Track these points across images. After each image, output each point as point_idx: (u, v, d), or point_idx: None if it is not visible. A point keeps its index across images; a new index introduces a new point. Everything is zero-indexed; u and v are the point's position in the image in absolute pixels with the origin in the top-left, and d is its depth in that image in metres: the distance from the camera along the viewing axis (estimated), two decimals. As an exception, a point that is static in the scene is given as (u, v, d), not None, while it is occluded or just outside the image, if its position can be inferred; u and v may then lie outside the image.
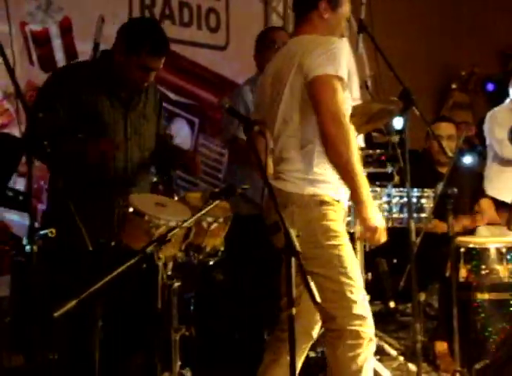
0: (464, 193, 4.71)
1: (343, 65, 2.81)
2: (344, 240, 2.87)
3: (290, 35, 3.10)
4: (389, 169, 4.20)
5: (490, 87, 7.67)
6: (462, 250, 4.09)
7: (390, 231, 4.42)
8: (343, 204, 2.92)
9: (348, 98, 2.94)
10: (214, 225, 3.03)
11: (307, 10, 2.97)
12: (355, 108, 3.23)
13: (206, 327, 4.09)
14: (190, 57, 5.54)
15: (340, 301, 2.80)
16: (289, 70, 2.88)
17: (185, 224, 2.82)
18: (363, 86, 5.48)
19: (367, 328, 2.84)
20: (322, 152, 2.83)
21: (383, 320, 4.67)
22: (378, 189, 4.06)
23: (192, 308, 4.08)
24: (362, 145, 4.72)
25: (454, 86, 7.81)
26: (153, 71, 3.34)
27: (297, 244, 2.19)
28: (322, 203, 2.83)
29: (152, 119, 3.55)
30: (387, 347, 4.06)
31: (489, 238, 4.22)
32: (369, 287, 4.10)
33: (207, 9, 5.82)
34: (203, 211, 2.82)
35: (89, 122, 3.28)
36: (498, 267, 4.09)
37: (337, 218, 2.87)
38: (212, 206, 2.86)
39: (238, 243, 4.09)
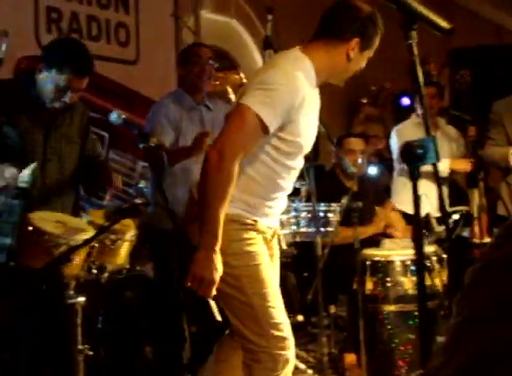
0: (371, 206, 4.81)
1: (277, 108, 2.58)
2: (258, 261, 2.74)
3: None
4: (296, 184, 4.25)
5: (405, 101, 7.85)
6: (368, 263, 4.15)
7: (298, 245, 4.52)
8: (262, 225, 2.79)
9: (277, 141, 2.71)
10: (118, 243, 3.01)
11: (335, 37, 2.75)
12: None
13: (116, 345, 4.03)
14: (99, 71, 5.47)
15: (254, 324, 2.73)
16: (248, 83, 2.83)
17: (87, 243, 2.78)
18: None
19: (284, 350, 2.77)
20: (243, 173, 2.68)
21: (293, 334, 4.69)
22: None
23: (100, 326, 4.00)
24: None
25: (364, 101, 7.99)
26: (74, 91, 3.31)
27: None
28: (234, 222, 2.69)
29: (75, 141, 3.51)
30: (295, 361, 4.08)
31: (394, 251, 4.29)
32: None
33: (116, 23, 5.78)
34: (104, 230, 2.80)
35: (8, 141, 3.22)
36: (403, 279, 4.16)
37: (251, 238, 2.75)
38: (115, 224, 2.84)
39: (161, 258, 4.09)
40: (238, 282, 2.73)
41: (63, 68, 3.19)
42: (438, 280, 4.35)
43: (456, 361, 0.87)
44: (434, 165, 2.11)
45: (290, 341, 2.81)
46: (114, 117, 3.18)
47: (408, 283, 4.20)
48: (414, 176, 2.09)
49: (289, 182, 2.85)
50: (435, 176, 2.09)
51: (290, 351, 2.80)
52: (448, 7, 8.38)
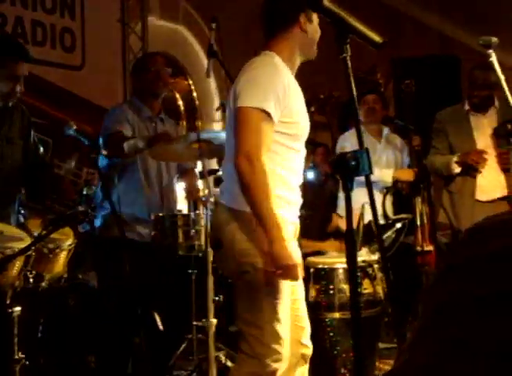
0: (319, 215, 4.85)
1: (268, 94, 2.69)
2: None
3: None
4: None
5: (353, 109, 7.91)
6: (311, 270, 4.17)
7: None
8: (286, 219, 2.79)
9: (280, 126, 2.78)
10: (56, 251, 2.98)
11: (284, 25, 2.87)
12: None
13: (57, 354, 3.99)
14: (44, 77, 5.42)
15: (258, 330, 2.74)
16: (232, 88, 2.82)
17: (24, 251, 2.75)
18: (219, 109, 5.56)
19: (276, 362, 2.76)
20: None
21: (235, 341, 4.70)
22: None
23: (40, 335, 3.95)
24: (216, 167, 4.77)
25: (312, 109, 8.04)
26: (20, 80, 3.31)
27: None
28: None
29: (16, 142, 3.47)
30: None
31: (337, 258, 4.33)
32: (222, 309, 4.16)
33: (61, 29, 5.72)
34: (42, 238, 2.77)
35: None
36: (346, 287, 4.20)
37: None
38: (53, 232, 2.81)
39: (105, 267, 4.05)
40: (256, 285, 2.73)
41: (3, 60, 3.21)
42: (380, 287, 4.41)
43: (417, 360, 0.90)
44: (367, 177, 2.13)
45: (284, 359, 2.79)
46: (69, 131, 3.17)
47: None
48: (347, 188, 2.11)
49: (299, 168, 2.91)
50: (367, 187, 2.10)
51: (280, 363, 2.78)
52: (395, 17, 8.51)
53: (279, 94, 2.71)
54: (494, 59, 3.07)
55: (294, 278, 2.71)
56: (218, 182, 4.78)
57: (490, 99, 4.77)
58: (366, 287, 4.49)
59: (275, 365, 2.74)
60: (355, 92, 2.11)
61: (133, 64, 4.50)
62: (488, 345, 0.81)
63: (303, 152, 2.92)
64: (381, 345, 4.69)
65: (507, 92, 3.09)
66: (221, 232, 2.76)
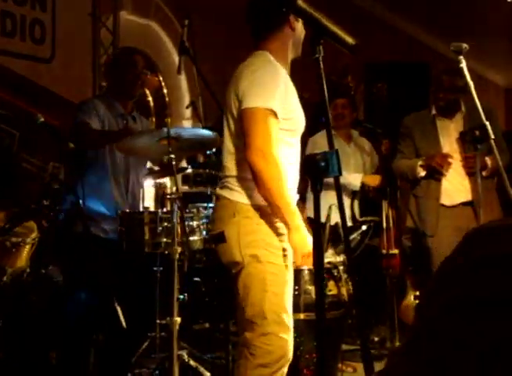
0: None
1: (273, 93, 2.79)
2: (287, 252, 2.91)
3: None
4: (208, 190, 4.25)
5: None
6: (277, 271, 4.17)
7: (208, 252, 4.51)
8: None
9: (281, 123, 2.87)
10: (19, 245, 2.94)
11: (276, 25, 2.94)
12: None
13: (17, 348, 3.94)
14: (12, 68, 5.34)
15: (261, 318, 2.80)
16: (232, 89, 2.88)
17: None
18: (189, 106, 5.54)
19: (286, 333, 2.84)
20: None
21: (203, 340, 4.70)
22: (194, 210, 4.07)
23: (0, 330, 3.90)
24: (185, 165, 4.75)
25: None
26: None
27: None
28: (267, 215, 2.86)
29: None
30: (201, 369, 4.07)
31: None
32: (186, 308, 4.14)
33: (31, 20, 5.65)
34: (4, 232, 2.73)
35: None
36: (310, 288, 4.21)
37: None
38: (16, 226, 2.77)
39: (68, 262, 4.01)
40: (261, 275, 2.82)
41: None
42: (345, 289, 4.42)
43: (416, 359, 0.92)
44: (337, 178, 2.13)
45: (291, 338, 2.87)
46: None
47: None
48: (316, 189, 2.11)
49: (296, 162, 3.01)
50: (336, 189, 2.11)
51: (290, 347, 2.87)
52: (366, 21, 8.55)
53: (281, 92, 2.82)
54: (464, 65, 3.10)
55: (310, 264, 2.77)
56: (186, 179, 4.77)
57: (456, 104, 4.79)
58: (331, 289, 4.51)
59: (282, 353, 2.82)
60: (326, 94, 2.12)
61: (111, 60, 4.43)
62: (483, 345, 0.83)
63: (299, 146, 3.03)
64: (344, 347, 4.71)
65: (476, 98, 3.12)
66: (225, 225, 2.85)
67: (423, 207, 4.87)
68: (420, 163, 4.80)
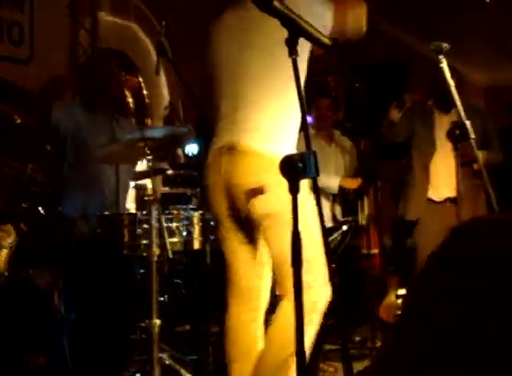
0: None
1: None
2: None
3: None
4: (188, 191, 4.24)
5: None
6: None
7: (189, 253, 4.50)
8: None
9: None
10: (-3, 249, 2.92)
11: None
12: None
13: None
14: (-10, 70, 5.30)
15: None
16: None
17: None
18: (168, 107, 5.52)
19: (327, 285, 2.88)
20: None
21: (184, 342, 4.68)
22: (175, 211, 4.06)
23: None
24: (166, 167, 4.73)
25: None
26: None
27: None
28: None
29: None
30: (183, 371, 4.05)
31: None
32: (167, 309, 4.13)
33: (9, 21, 5.60)
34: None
35: None
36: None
37: None
38: (-7, 229, 2.75)
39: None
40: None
41: None
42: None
43: (405, 348, 0.94)
44: (314, 179, 2.13)
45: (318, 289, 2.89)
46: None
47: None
48: (294, 189, 2.11)
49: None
50: (314, 190, 2.11)
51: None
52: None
53: None
54: (445, 64, 3.11)
55: None
56: (166, 181, 4.75)
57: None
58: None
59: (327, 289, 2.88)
60: (303, 94, 2.12)
61: (84, 63, 4.40)
62: (472, 334, 0.84)
63: None
64: (327, 347, 4.72)
65: (456, 97, 3.13)
66: (264, 177, 2.79)
67: (410, 195, 4.94)
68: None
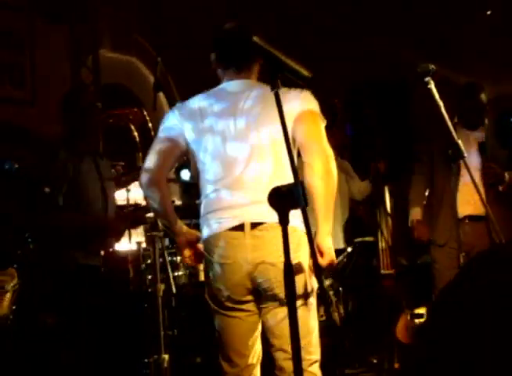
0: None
1: None
2: None
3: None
4: (190, 222, 4.24)
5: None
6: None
7: (195, 285, 4.49)
8: None
9: None
10: (0, 293, 2.94)
11: (252, 62, 2.94)
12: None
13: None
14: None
15: (314, 335, 2.87)
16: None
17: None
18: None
19: None
20: None
21: (196, 374, 4.66)
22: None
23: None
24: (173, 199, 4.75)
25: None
26: None
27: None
28: None
29: None
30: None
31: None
32: (178, 343, 4.12)
33: (10, 64, 5.68)
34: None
35: None
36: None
37: None
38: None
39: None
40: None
41: None
42: (337, 313, 4.44)
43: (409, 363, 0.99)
44: (303, 209, 2.13)
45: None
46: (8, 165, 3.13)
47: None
48: (284, 221, 2.11)
49: None
50: (304, 219, 2.11)
51: None
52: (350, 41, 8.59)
53: None
54: (432, 86, 3.11)
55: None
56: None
57: (480, 118, 4.83)
58: (322, 315, 4.51)
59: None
60: (287, 126, 2.14)
61: (62, 100, 4.34)
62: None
63: None
64: (348, 371, 4.71)
65: (446, 118, 3.13)
66: (298, 255, 2.73)
67: (438, 218, 4.84)
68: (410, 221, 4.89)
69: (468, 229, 4.61)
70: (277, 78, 2.13)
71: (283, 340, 2.76)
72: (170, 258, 3.66)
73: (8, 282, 2.97)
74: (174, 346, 3.66)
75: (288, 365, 2.77)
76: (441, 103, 3.10)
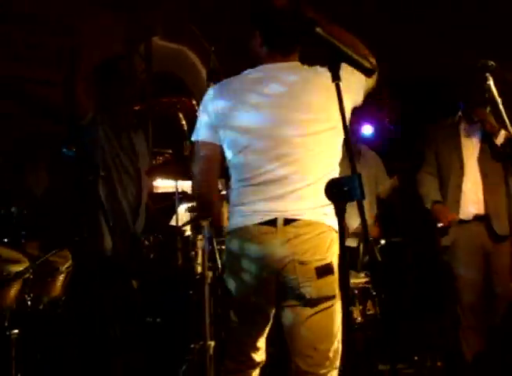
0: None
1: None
2: None
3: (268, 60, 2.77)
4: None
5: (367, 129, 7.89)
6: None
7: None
8: None
9: None
10: (54, 274, 2.99)
11: (299, 45, 2.77)
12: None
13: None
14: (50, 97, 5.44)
15: (337, 341, 2.75)
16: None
17: (21, 274, 2.77)
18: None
19: None
20: None
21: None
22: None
23: (37, 357, 3.95)
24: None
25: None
26: None
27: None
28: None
29: None
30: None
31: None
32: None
33: (62, 50, 5.75)
34: (39, 261, 2.78)
35: None
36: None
37: None
38: (50, 255, 2.82)
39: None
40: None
41: None
42: (378, 308, 4.46)
43: None
44: (360, 202, 2.13)
45: None
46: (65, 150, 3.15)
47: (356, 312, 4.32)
48: (339, 213, 2.12)
49: None
50: (360, 212, 2.11)
51: None
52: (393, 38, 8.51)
53: None
54: (491, 82, 3.09)
55: None
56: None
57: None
58: (370, 309, 4.51)
59: None
60: (347, 117, 2.14)
61: (96, 69, 4.22)
62: None
63: None
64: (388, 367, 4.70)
65: (504, 115, 3.10)
66: (330, 255, 2.65)
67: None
68: (432, 202, 4.71)
69: (477, 229, 4.55)
70: (338, 69, 2.12)
71: (302, 342, 2.68)
72: (219, 246, 3.67)
73: (62, 263, 3.03)
74: (218, 334, 3.67)
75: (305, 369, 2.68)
76: (499, 99, 3.07)
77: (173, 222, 4.50)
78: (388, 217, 5.85)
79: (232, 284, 2.72)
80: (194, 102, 6.27)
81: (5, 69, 5.21)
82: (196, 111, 7.21)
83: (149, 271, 3.86)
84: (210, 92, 2.82)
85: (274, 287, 2.67)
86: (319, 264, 2.62)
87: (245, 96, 2.72)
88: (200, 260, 3.67)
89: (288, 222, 2.62)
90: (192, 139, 2.76)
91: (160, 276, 3.91)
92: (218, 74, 3.99)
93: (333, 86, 2.10)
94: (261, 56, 2.80)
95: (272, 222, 2.63)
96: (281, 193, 2.65)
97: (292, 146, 2.67)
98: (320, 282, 2.62)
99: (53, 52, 5.69)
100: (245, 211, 2.69)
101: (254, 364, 2.82)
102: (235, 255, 2.70)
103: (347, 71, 2.23)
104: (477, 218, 4.58)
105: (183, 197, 4.57)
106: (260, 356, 2.83)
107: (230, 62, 5.70)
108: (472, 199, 4.56)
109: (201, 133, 2.77)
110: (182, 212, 4.58)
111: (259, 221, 2.64)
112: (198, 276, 3.59)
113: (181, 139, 4.82)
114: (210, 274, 3.45)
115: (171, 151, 6.25)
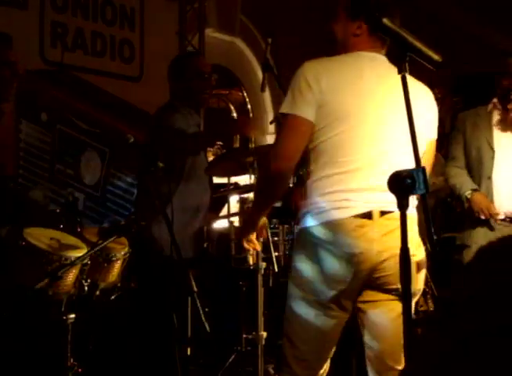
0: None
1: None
2: None
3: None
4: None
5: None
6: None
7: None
8: None
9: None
10: (111, 260, 3.03)
11: None
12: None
13: (109, 361, 4.03)
14: (102, 87, 5.52)
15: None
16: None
17: (80, 260, 2.80)
18: (274, 121, 5.59)
19: None
20: None
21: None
22: (280, 225, 4.10)
23: (93, 342, 4.01)
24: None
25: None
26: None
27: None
28: None
29: None
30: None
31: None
32: (274, 322, 4.15)
33: (120, 40, 5.83)
34: (98, 247, 2.82)
35: None
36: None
37: None
38: (109, 242, 2.86)
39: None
40: None
41: None
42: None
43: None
44: (423, 196, 2.11)
45: None
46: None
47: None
48: (402, 206, 2.10)
49: None
50: (424, 208, 2.08)
51: None
52: (450, 32, 8.42)
53: None
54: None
55: None
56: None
57: None
58: (422, 305, 4.47)
59: None
60: (411, 109, 2.11)
61: (174, 65, 4.14)
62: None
63: None
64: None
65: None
66: (422, 250, 2.61)
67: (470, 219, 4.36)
68: (466, 194, 4.33)
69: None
70: (405, 61, 2.10)
71: (393, 339, 2.54)
72: (272, 237, 3.67)
73: (119, 250, 3.07)
74: (270, 325, 3.68)
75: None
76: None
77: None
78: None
79: (309, 282, 2.58)
80: (245, 94, 6.25)
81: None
82: (246, 103, 7.25)
83: (206, 260, 3.89)
84: (314, 67, 2.61)
85: (361, 283, 2.56)
86: (418, 258, 2.52)
87: (351, 79, 2.60)
88: (252, 251, 3.66)
89: (383, 214, 2.52)
90: (287, 111, 2.55)
91: (216, 265, 3.93)
92: (272, 66, 4.00)
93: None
94: (358, 42, 2.68)
95: (368, 215, 2.52)
96: (374, 184, 2.51)
97: (392, 136, 2.57)
98: (418, 277, 2.54)
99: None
100: (335, 202, 2.55)
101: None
102: (323, 248, 2.54)
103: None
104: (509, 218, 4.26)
105: (234, 187, 4.59)
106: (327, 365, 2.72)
107: (282, 54, 5.71)
108: (504, 192, 4.26)
109: (303, 110, 2.54)
110: (234, 203, 4.61)
111: (354, 213, 2.52)
112: (252, 267, 3.58)
113: (230, 132, 4.74)
114: (264, 265, 3.46)
115: (221, 143, 6.27)
